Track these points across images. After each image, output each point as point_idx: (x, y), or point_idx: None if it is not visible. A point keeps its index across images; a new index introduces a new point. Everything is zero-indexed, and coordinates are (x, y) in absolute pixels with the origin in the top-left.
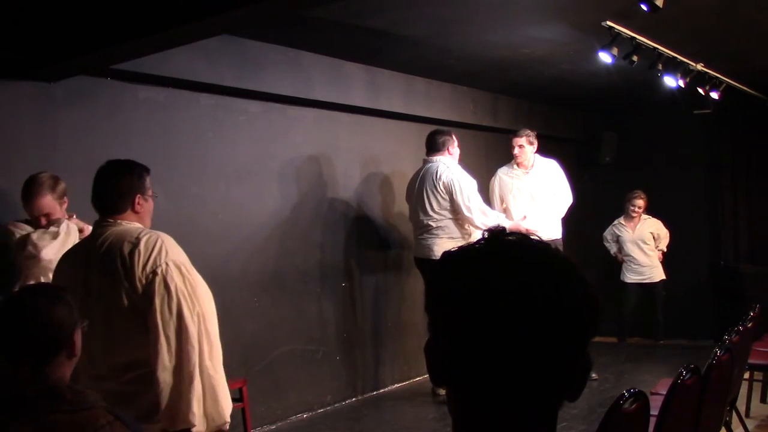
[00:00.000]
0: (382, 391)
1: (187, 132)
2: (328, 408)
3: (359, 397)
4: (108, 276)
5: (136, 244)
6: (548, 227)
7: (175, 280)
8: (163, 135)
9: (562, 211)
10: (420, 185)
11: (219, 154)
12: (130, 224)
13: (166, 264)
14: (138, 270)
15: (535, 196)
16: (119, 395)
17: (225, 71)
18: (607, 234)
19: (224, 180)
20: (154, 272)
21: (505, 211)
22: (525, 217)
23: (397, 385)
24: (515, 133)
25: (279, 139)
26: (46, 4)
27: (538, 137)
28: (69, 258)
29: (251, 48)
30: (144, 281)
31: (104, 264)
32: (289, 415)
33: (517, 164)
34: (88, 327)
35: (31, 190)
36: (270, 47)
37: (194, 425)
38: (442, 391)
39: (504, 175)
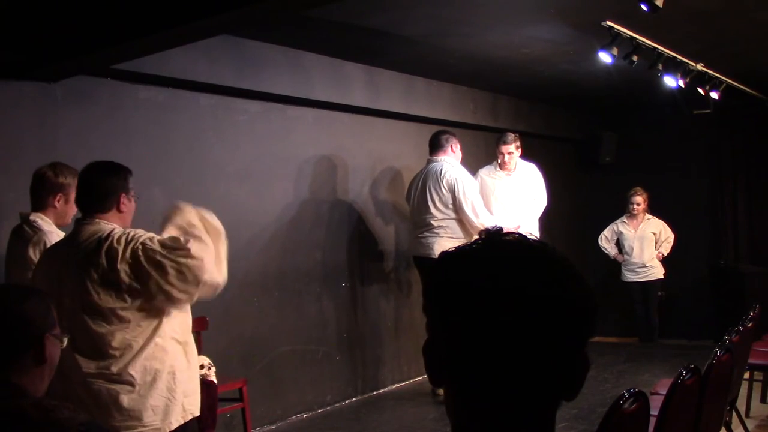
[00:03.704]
0: (382, 391)
1: (187, 132)
2: (328, 408)
3: (359, 397)
4: (84, 276)
5: (110, 242)
6: (527, 228)
7: (148, 249)
8: (163, 135)
9: (538, 212)
10: (423, 184)
11: (219, 154)
12: (107, 224)
13: (142, 244)
14: (118, 265)
15: (516, 198)
16: (92, 394)
17: (225, 71)
18: (607, 233)
19: (224, 180)
20: (136, 256)
21: None
22: (519, 227)
23: (397, 385)
24: (504, 140)
25: (279, 139)
26: (46, 4)
27: (539, 137)
28: (47, 258)
29: (251, 48)
30: (128, 271)
31: (81, 263)
32: (289, 415)
33: (500, 166)
34: (71, 327)
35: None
36: (270, 47)
37: None
38: (442, 391)
39: (486, 176)
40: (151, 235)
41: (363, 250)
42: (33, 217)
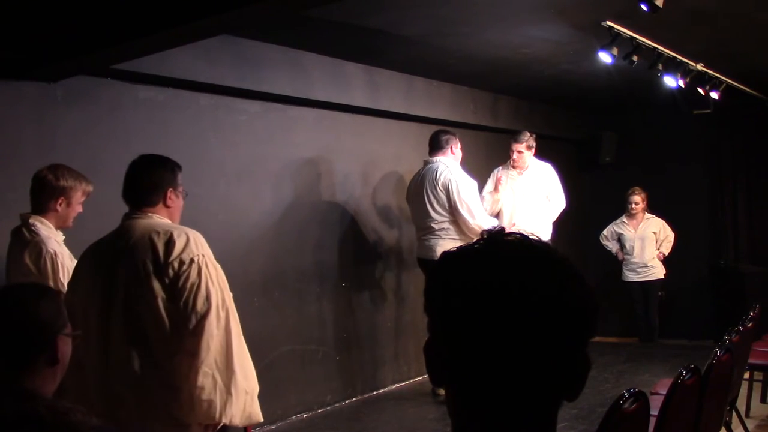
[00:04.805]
0: (382, 391)
1: (187, 132)
2: (328, 408)
3: (359, 397)
4: (137, 267)
5: (170, 235)
6: (537, 229)
7: (210, 272)
8: (163, 135)
9: (554, 214)
10: (421, 186)
11: (219, 154)
12: (160, 219)
13: (202, 255)
14: (171, 258)
15: (527, 197)
16: (142, 390)
17: (225, 71)
18: (606, 233)
19: (224, 180)
20: (191, 260)
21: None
22: (514, 224)
23: (397, 385)
24: (515, 138)
25: (279, 139)
26: (46, 4)
27: (538, 137)
28: (92, 253)
29: (251, 48)
30: (177, 268)
31: (134, 255)
32: (289, 415)
33: (513, 166)
34: (109, 323)
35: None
36: (270, 47)
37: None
38: (442, 391)
39: (499, 175)
40: (213, 258)
41: (363, 250)
42: (32, 220)
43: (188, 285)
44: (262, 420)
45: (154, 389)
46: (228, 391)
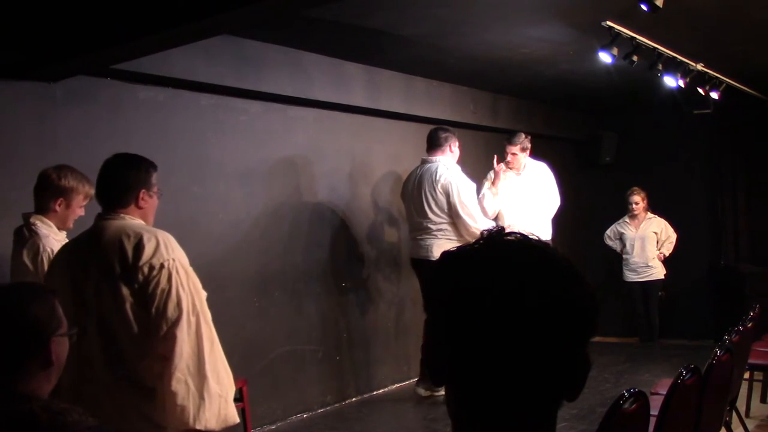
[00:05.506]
0: (381, 391)
1: (187, 132)
2: (328, 408)
3: (359, 397)
4: (106, 269)
5: (139, 238)
6: (537, 228)
7: (180, 277)
8: (163, 135)
9: (551, 213)
10: (418, 186)
11: (219, 154)
12: (133, 219)
13: (173, 260)
14: (141, 263)
15: (525, 197)
16: (116, 391)
17: (225, 71)
18: (609, 233)
19: (224, 180)
20: (161, 265)
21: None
22: (509, 226)
23: (396, 385)
24: (509, 140)
25: (279, 139)
26: (46, 4)
27: (539, 137)
28: (66, 252)
29: (251, 48)
30: (146, 273)
31: (104, 257)
32: (289, 415)
33: (508, 168)
34: (82, 325)
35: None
36: (270, 47)
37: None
38: (425, 392)
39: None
40: (185, 260)
41: (363, 250)
42: (33, 219)
43: (158, 291)
44: (238, 421)
45: (128, 391)
46: (201, 396)
